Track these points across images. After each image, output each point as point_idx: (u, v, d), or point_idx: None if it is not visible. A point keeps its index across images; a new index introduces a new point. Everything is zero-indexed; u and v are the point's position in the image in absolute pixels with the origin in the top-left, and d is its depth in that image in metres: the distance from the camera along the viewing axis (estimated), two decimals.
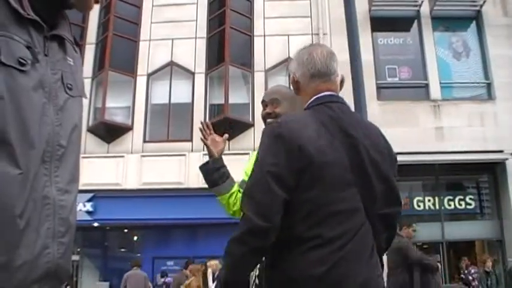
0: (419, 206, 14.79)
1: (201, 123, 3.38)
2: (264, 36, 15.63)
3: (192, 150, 14.42)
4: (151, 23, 16.11)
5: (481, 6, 15.83)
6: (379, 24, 15.72)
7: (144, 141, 15.07)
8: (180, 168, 14.06)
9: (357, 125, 2.13)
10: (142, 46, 15.89)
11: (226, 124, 13.92)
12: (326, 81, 2.26)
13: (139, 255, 15.46)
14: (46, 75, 1.36)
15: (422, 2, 15.77)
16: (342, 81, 2.33)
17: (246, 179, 3.36)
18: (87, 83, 15.05)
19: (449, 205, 14.67)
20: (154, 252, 15.36)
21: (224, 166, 3.27)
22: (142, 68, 15.70)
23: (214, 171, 3.21)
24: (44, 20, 1.37)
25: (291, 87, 2.45)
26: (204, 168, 3.25)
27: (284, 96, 3.31)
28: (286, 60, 15.28)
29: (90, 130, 14.83)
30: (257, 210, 1.91)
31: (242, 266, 1.98)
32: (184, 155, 14.32)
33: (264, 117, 3.32)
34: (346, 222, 1.97)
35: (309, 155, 1.96)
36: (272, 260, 2.02)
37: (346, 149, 2.03)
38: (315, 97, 2.22)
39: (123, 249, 16.94)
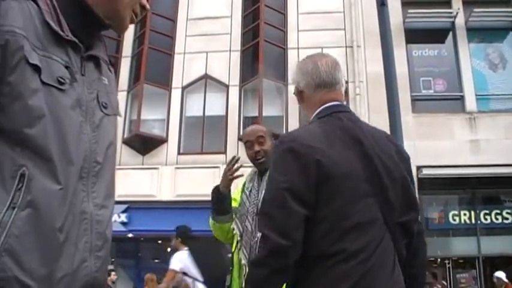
0: (454, 220, 14.55)
1: (234, 159, 3.44)
2: (298, 48, 15.61)
3: (225, 163, 14.40)
4: (186, 36, 16.29)
5: None
6: (414, 36, 15.61)
7: (179, 153, 15.18)
8: (214, 180, 13.88)
9: (366, 133, 2.09)
10: (177, 59, 16.06)
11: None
12: (331, 91, 2.22)
13: None
14: (83, 94, 1.41)
15: (457, 13, 15.61)
16: (345, 92, 2.32)
17: (236, 205, 3.48)
18: (123, 95, 15.29)
19: (486, 219, 14.38)
20: None
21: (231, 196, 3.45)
22: (177, 81, 15.86)
23: (227, 200, 3.38)
24: (81, 41, 1.43)
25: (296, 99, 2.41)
26: (218, 195, 3.38)
27: (266, 133, 3.53)
28: None
29: (125, 142, 15.02)
30: (275, 228, 1.83)
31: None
32: (218, 167, 14.34)
33: (253, 157, 3.48)
34: (367, 234, 1.92)
35: (327, 169, 1.91)
36: (296, 279, 1.93)
37: (359, 158, 1.99)
38: (321, 108, 2.18)
39: (156, 260, 17.02)
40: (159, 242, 16.73)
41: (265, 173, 3.46)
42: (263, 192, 3.37)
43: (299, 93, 2.30)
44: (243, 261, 3.24)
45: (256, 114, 14.65)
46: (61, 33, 1.36)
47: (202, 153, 15.01)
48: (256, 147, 3.45)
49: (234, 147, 14.73)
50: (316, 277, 1.87)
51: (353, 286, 1.82)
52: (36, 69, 1.27)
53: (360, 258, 1.86)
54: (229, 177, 3.34)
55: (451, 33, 15.94)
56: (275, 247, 1.81)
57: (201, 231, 13.99)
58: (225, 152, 14.72)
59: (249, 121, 15.14)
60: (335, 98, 2.21)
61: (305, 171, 1.90)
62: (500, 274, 12.15)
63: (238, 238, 3.31)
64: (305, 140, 1.99)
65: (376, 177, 1.98)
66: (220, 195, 3.35)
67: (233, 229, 3.36)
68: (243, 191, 3.52)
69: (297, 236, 1.83)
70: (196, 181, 14.15)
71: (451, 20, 15.79)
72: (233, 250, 3.40)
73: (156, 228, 14.29)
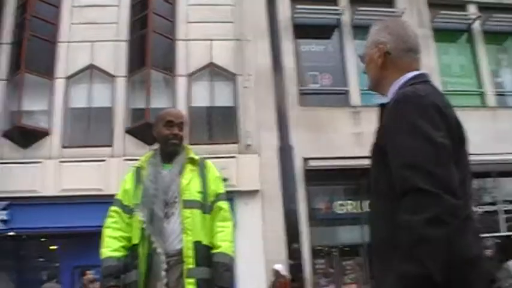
0: (340, 210, 15.10)
1: None
2: (187, 40, 15.53)
3: (112, 156, 14.12)
4: (70, 24, 15.62)
5: (400, 17, 16.32)
6: (302, 31, 15.99)
7: (63, 146, 14.58)
8: (100, 174, 13.71)
9: None
10: (61, 48, 15.39)
11: (148, 129, 13.71)
12: (418, 60, 2.16)
13: (58, 264, 14.94)
14: None
15: (343, 10, 16.13)
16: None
17: (126, 198, 3.59)
18: (2, 85, 14.54)
19: None
20: (75, 262, 14.88)
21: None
22: (60, 71, 15.19)
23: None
24: None
25: (369, 60, 2.24)
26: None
27: (186, 122, 3.67)
28: (209, 65, 15.29)
29: (5, 135, 14.25)
30: (441, 186, 1.70)
31: (446, 252, 1.69)
32: (104, 160, 14.00)
33: (169, 137, 3.54)
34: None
35: (463, 133, 1.92)
36: None
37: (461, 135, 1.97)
38: (416, 73, 2.09)
39: (41, 259, 16.31)
40: (43, 239, 16.05)
41: (174, 157, 3.54)
42: (179, 174, 3.48)
43: (384, 55, 2.14)
44: (159, 250, 3.25)
45: (144, 106, 14.38)
46: None
47: (87, 146, 14.47)
48: (176, 130, 3.51)
49: (121, 140, 14.42)
50: (453, 240, 1.77)
51: (478, 252, 1.87)
52: None
53: (474, 227, 1.89)
54: None
55: (337, 29, 16.45)
56: (451, 206, 1.70)
57: (87, 227, 13.65)
58: (111, 145, 14.37)
59: (136, 113, 14.87)
60: (419, 68, 2.14)
61: (450, 129, 1.84)
62: (278, 267, 11.36)
63: (144, 225, 3.29)
64: (441, 99, 1.92)
65: (468, 162, 1.98)
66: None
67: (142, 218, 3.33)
68: (140, 179, 3.51)
69: (460, 194, 1.75)
70: (82, 175, 13.77)
71: (338, 17, 16.31)
72: (137, 242, 3.36)
73: (40, 226, 13.75)
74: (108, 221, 3.54)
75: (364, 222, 14.81)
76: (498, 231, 15.58)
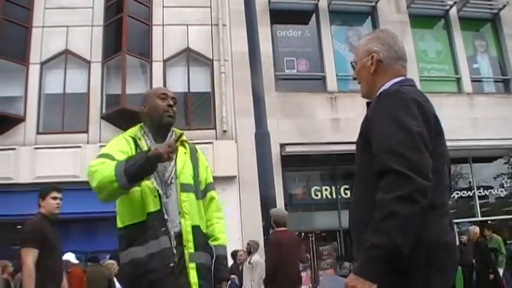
0: (316, 196, 15.14)
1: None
2: (163, 25, 15.38)
3: (88, 142, 13.99)
4: (44, 8, 15.37)
5: (376, 2, 16.43)
6: (278, 16, 15.94)
7: (38, 132, 14.40)
8: (76, 160, 13.56)
9: None
10: (35, 33, 15.15)
11: (123, 115, 13.60)
12: (405, 67, 2.38)
13: None
14: None
15: None
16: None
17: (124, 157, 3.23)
18: None
19: (346, 194, 15.06)
20: None
21: None
22: (35, 56, 14.97)
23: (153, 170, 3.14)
24: None
25: (361, 67, 2.45)
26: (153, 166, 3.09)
27: None
28: (185, 51, 15.18)
29: None
30: (414, 169, 1.87)
31: (413, 228, 1.85)
32: (79, 146, 13.86)
33: (165, 109, 3.40)
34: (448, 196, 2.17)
35: (440, 127, 2.13)
36: None
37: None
38: (402, 78, 2.31)
39: (15, 247, 16.14)
40: (19, 227, 15.89)
41: (166, 135, 3.41)
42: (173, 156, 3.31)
43: (376, 62, 2.35)
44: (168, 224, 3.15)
45: (120, 91, 14.23)
46: None
47: (63, 132, 14.34)
48: (171, 102, 3.42)
49: (97, 126, 14.29)
50: (430, 224, 1.96)
51: (453, 238, 2.06)
52: None
53: (450, 215, 2.10)
54: (171, 156, 3.10)
55: (314, 15, 16.41)
56: (420, 186, 1.86)
57: (62, 213, 13.47)
58: (87, 131, 14.24)
59: (112, 99, 14.73)
60: (406, 75, 2.36)
61: (427, 121, 2.04)
62: (69, 256, 10.02)
63: (161, 192, 3.17)
64: (422, 96, 2.15)
65: (445, 153, 2.18)
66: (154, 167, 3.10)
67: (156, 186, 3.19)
68: (141, 149, 3.27)
69: (431, 178, 1.92)
70: (57, 162, 13.61)
71: (315, 2, 16.27)
72: (157, 208, 3.16)
73: (15, 213, 13.55)
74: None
75: (341, 207, 14.92)
76: (474, 216, 15.78)
